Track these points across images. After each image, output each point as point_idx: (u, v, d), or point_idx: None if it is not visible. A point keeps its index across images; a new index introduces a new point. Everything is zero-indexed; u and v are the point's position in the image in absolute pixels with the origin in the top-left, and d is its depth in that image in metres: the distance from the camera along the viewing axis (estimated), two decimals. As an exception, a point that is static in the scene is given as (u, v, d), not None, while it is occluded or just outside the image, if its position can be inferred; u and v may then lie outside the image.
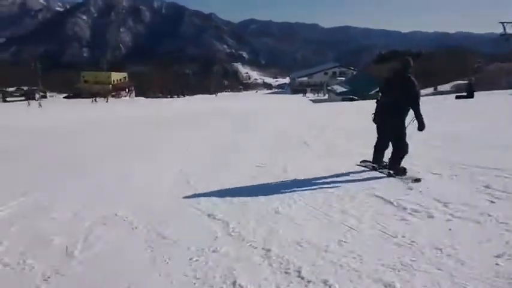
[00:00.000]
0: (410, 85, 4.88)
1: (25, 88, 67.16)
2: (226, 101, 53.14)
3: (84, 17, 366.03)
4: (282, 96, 72.53)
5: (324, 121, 12.93)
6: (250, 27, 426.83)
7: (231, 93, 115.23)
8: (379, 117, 5.26)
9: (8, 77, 79.08)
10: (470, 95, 21.18)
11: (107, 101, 56.45)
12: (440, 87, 60.36)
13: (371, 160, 5.48)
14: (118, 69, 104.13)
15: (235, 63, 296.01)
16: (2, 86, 72.40)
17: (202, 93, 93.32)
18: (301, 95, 69.64)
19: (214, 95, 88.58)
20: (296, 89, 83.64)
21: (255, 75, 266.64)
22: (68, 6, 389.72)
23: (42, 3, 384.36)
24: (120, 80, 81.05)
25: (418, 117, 4.86)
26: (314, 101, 50.22)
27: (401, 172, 4.99)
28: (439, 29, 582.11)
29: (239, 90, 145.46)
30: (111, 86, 73.29)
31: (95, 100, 55.75)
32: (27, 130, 15.61)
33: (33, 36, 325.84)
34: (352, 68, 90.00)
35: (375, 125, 5.38)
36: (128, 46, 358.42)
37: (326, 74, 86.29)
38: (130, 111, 30.60)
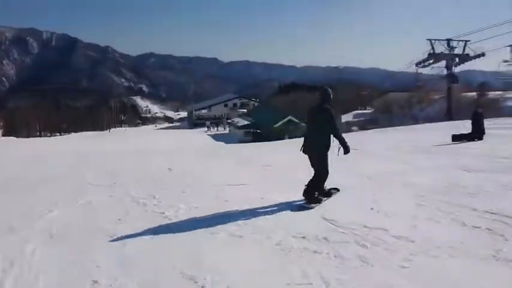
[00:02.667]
0: (326, 115, 5.00)
1: None
2: (103, 142, 41.94)
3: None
4: (176, 132, 61.48)
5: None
6: (149, 61, 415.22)
7: (127, 128, 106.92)
8: (307, 150, 5.30)
9: None
10: (477, 135, 12.61)
11: None
12: (344, 117, 58.70)
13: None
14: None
15: (134, 97, 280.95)
16: None
17: (94, 130, 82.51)
18: (205, 129, 61.51)
19: (107, 131, 78.47)
20: (195, 122, 75.91)
21: (155, 109, 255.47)
22: None
23: None
24: (-18, 116, 65.63)
25: (341, 142, 5.03)
26: (215, 138, 43.33)
27: (315, 200, 5.12)
28: (331, 63, 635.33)
29: (137, 124, 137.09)
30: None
31: None
32: None
33: None
34: (254, 99, 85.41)
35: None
36: (12, 79, 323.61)
37: (226, 106, 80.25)
38: None
